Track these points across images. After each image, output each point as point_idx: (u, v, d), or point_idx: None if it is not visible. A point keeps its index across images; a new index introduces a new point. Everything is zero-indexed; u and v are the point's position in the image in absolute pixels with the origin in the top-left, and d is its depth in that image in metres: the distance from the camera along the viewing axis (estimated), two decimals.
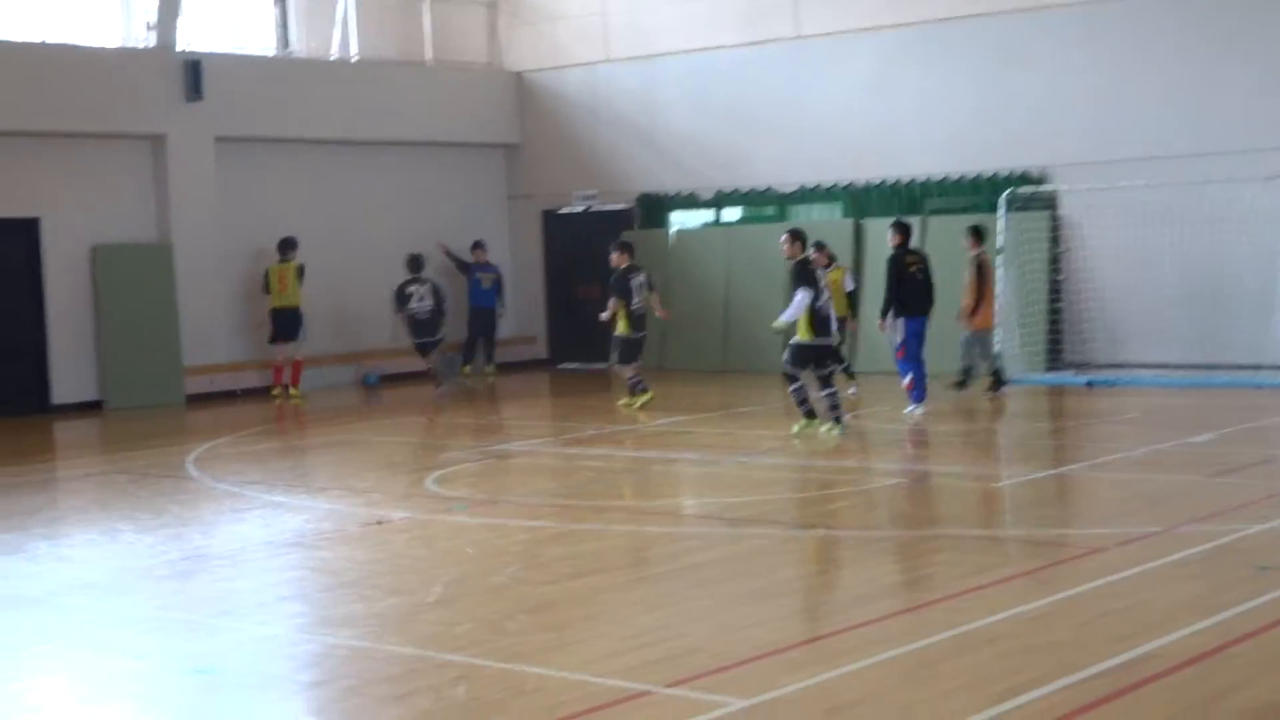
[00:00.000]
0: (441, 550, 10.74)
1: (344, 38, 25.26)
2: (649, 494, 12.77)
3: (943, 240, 21.79)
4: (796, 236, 15.86)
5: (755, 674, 7.44)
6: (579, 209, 26.04)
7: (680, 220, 25.35)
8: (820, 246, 18.61)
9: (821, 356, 15.60)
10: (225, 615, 9.09)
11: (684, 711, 6.86)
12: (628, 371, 19.12)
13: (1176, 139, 20.29)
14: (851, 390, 18.87)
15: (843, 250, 22.55)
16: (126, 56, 22.27)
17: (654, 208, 25.33)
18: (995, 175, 21.77)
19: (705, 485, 13.65)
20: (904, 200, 22.72)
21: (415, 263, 22.62)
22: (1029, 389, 19.62)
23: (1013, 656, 7.56)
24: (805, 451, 14.75)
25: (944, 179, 22.40)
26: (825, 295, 15.68)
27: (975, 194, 22.04)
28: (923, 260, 17.71)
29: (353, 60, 25.33)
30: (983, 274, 18.92)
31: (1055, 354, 20.92)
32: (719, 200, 24.73)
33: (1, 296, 21.07)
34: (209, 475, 14.73)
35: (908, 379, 17.10)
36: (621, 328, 18.95)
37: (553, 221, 26.44)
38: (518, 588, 9.42)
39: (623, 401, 18.97)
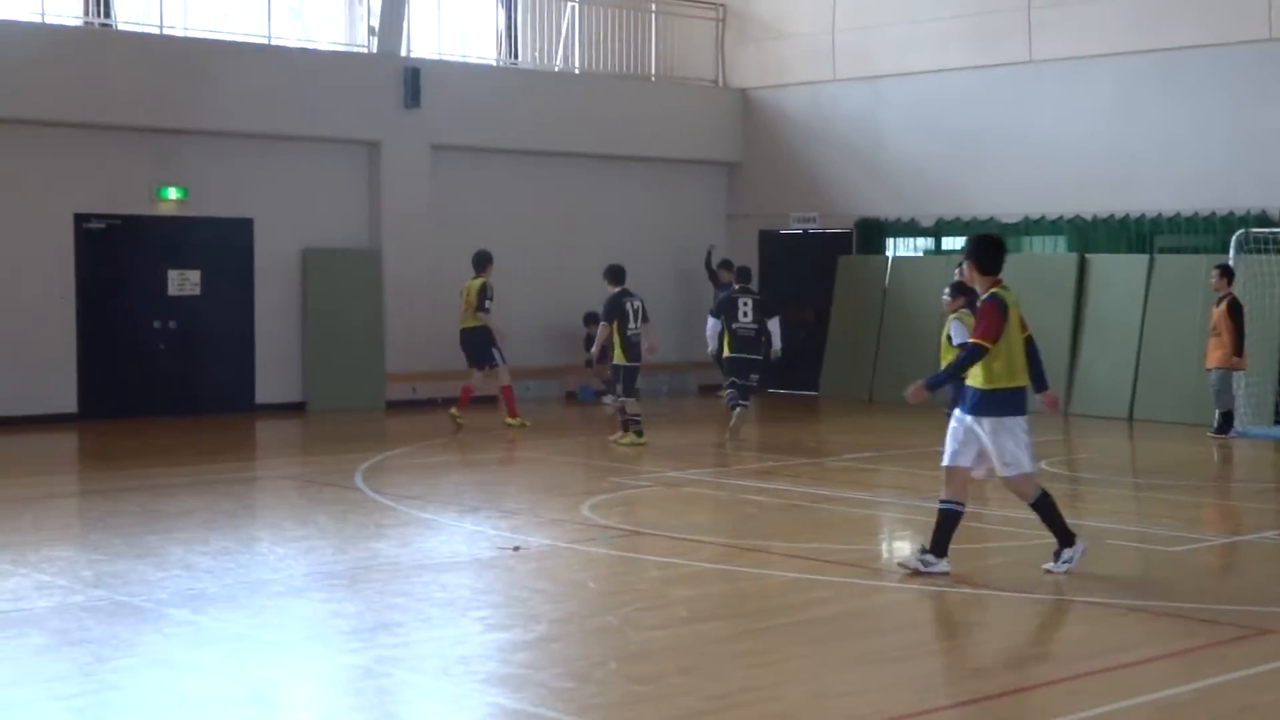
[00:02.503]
0: (564, 583, 10.31)
1: (567, 50, 25.13)
2: (802, 535, 12.12)
3: (1170, 279, 20.73)
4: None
5: None
6: (796, 230, 25.44)
7: (899, 247, 24.58)
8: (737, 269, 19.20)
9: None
10: (310, 640, 8.81)
11: None
12: (633, 405, 18.09)
13: None
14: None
15: (1065, 285, 21.58)
16: (347, 61, 22.48)
17: (872, 233, 24.59)
18: (1231, 214, 20.49)
19: (864, 529, 12.96)
20: (1133, 236, 21.60)
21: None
22: (1251, 443, 18.38)
23: None
24: (984, 499, 13.93)
25: (1176, 215, 21.18)
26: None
27: (1208, 233, 20.83)
28: None
29: (575, 72, 25.18)
30: (1236, 314, 18.20)
31: None
32: (939, 229, 23.89)
33: (215, 295, 21.41)
34: (372, 486, 14.57)
35: None
36: (619, 356, 18.02)
37: (769, 242, 25.89)
38: (623, 631, 8.92)
39: (617, 437, 18.05)
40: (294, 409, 21.68)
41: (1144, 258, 21.12)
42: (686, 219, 25.86)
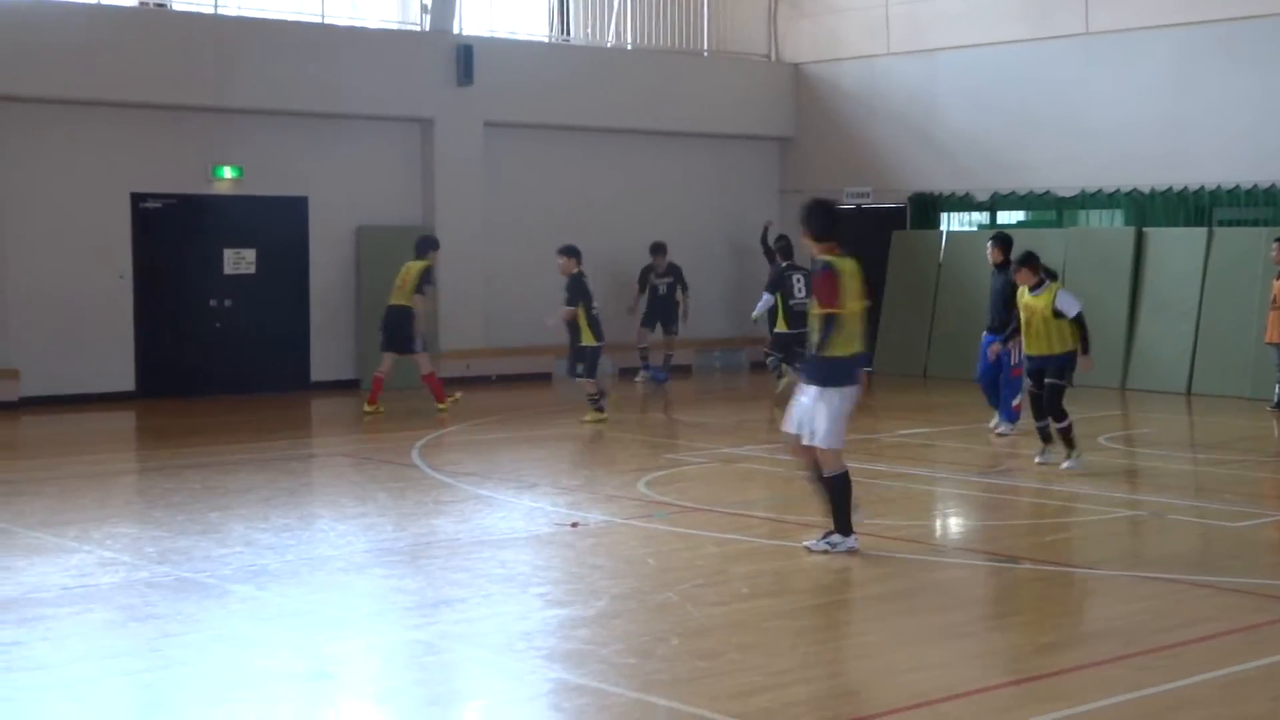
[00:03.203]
0: (623, 559, 10.31)
1: (619, 26, 25.07)
2: (861, 511, 12.07)
3: (1229, 252, 20.53)
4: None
5: None
6: (850, 206, 25.31)
7: (954, 221, 24.43)
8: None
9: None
10: (372, 616, 8.86)
11: None
12: (590, 386, 17.88)
13: None
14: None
15: (1122, 259, 21.40)
16: (400, 38, 22.50)
17: (927, 207, 24.44)
18: None
19: (923, 505, 12.89)
20: (1191, 209, 21.37)
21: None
22: None
23: None
24: (1043, 474, 13.84)
25: (1235, 188, 20.95)
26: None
27: (1268, 205, 20.60)
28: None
29: (628, 48, 25.12)
30: None
31: None
32: (995, 202, 23.71)
33: (270, 274, 21.49)
34: (429, 463, 14.61)
35: (1018, 399, 16.10)
36: (587, 337, 17.79)
37: None
38: (683, 607, 8.91)
39: (588, 418, 17.78)
40: (349, 386, 21.76)
41: (1202, 231, 20.92)
42: (739, 195, 25.79)
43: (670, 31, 25.54)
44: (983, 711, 6.99)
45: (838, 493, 10.28)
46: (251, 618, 8.82)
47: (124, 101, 20.01)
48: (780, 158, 26.30)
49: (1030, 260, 14.22)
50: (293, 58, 20.93)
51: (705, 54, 25.86)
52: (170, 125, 20.53)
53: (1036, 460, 14.21)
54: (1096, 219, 22.73)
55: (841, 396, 10.15)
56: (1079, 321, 13.94)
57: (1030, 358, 14.28)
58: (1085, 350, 13.97)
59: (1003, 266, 16.13)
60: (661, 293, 23.07)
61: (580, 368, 17.81)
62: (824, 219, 10.28)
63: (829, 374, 10.16)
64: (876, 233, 24.59)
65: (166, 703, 7.27)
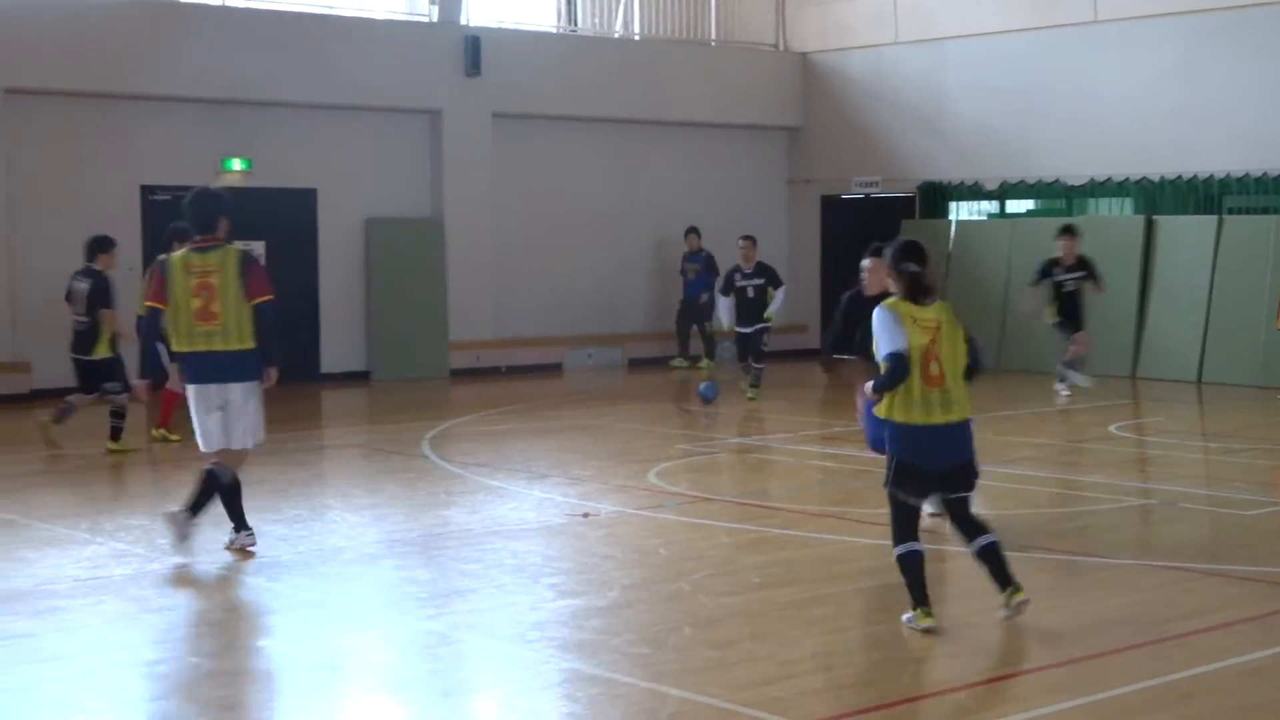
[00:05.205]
0: (634, 550, 10.32)
1: (627, 16, 25.05)
2: (873, 501, 12.05)
3: (1239, 240, 20.51)
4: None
5: (911, 717, 6.81)
6: (858, 195, 25.30)
7: (962, 210, 24.41)
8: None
9: None
10: (385, 607, 8.89)
11: None
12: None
13: None
14: None
15: (1132, 247, 21.38)
16: (408, 30, 22.49)
17: (935, 197, 24.42)
18: None
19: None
20: (1200, 197, 21.34)
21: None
22: None
23: (1211, 716, 6.75)
24: (1055, 464, 13.84)
25: (1245, 176, 20.92)
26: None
27: (1278, 193, 20.58)
28: None
29: (636, 38, 25.10)
30: None
31: None
32: (1004, 191, 23.70)
33: (279, 266, 21.40)
34: (439, 454, 14.62)
35: None
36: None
37: (831, 207, 25.77)
38: (695, 597, 8.92)
39: None
40: (358, 378, 21.78)
41: (1212, 219, 20.89)
42: (747, 185, 25.77)
43: (678, 21, 25.52)
44: (995, 700, 6.99)
45: (208, 494, 10.11)
46: (264, 609, 8.83)
47: (133, 94, 20.02)
48: (788, 147, 26.28)
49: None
50: (301, 49, 20.93)
51: (713, 44, 25.84)
52: (179, 118, 20.55)
53: None
54: (1105, 207, 22.71)
55: (195, 393, 10.08)
56: None
57: None
58: None
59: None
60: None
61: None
62: (202, 212, 10.28)
63: (187, 371, 10.10)
64: (885, 222, 24.52)
65: (179, 694, 7.29)
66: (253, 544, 10.18)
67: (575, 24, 24.93)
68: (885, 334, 8.05)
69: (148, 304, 10.17)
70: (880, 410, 8.22)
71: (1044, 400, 18.57)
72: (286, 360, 20.92)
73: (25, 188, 19.58)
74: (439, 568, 9.89)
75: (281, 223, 21.45)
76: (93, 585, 9.29)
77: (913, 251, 8.24)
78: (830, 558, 10.09)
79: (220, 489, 10.09)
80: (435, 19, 22.51)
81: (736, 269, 18.79)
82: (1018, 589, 8.13)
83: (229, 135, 20.92)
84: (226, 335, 9.96)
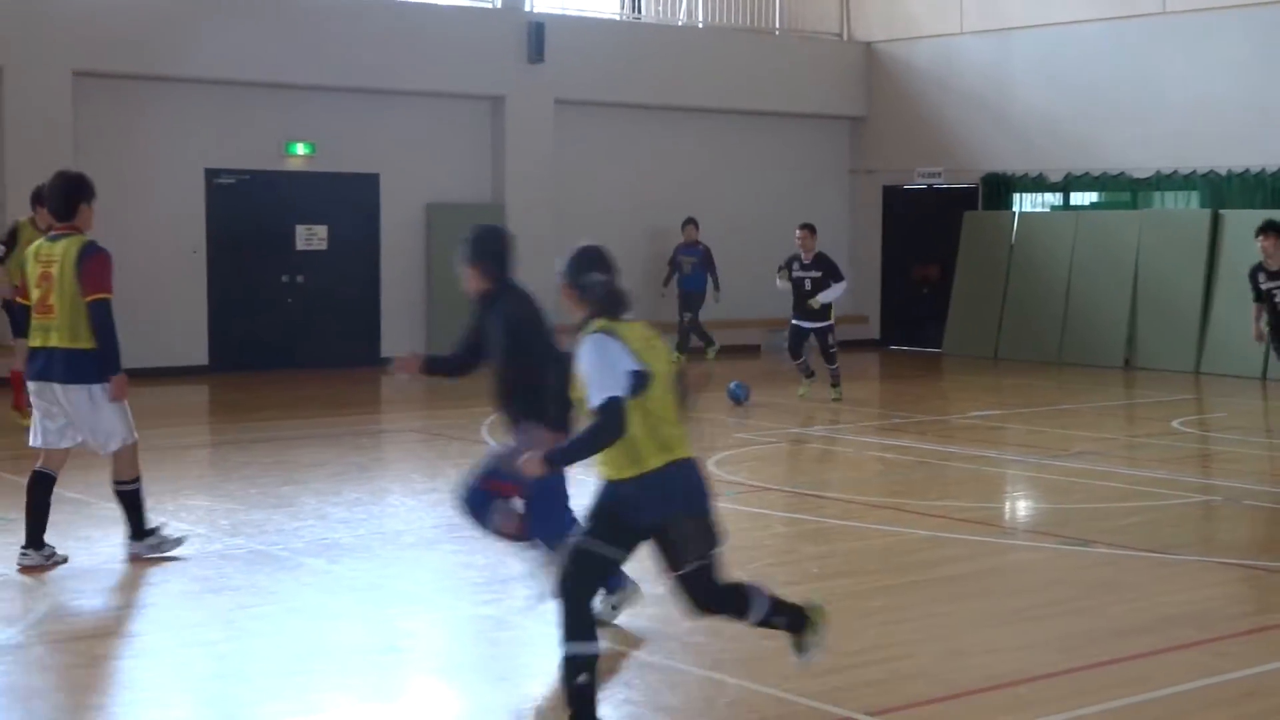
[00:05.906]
0: None
1: (691, 4, 25.00)
2: (931, 493, 12.03)
3: None
4: None
5: (971, 710, 6.78)
6: (921, 186, 25.18)
7: (1026, 202, 24.24)
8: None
9: None
10: (443, 591, 8.95)
11: None
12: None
13: None
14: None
15: (1198, 242, 21.16)
16: (472, 15, 22.52)
17: (999, 188, 24.25)
18: None
19: (993, 487, 12.81)
20: (1269, 191, 21.10)
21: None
22: None
23: (1272, 716, 6.68)
24: (1116, 459, 13.74)
25: None
26: None
27: None
28: None
29: (699, 27, 25.05)
30: None
31: None
32: (1068, 183, 23.50)
33: (341, 250, 21.62)
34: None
35: None
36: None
37: (893, 198, 25.66)
38: None
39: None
40: None
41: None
42: (810, 174, 25.69)
43: (742, 10, 25.45)
44: (1057, 695, 6.94)
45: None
46: (323, 591, 8.89)
47: (198, 78, 20.14)
48: (851, 137, 26.17)
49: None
50: (365, 34, 21.00)
51: (777, 32, 25.75)
52: (244, 101, 20.67)
53: None
54: (1172, 200, 22.50)
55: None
56: None
57: None
58: None
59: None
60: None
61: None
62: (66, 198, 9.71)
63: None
64: (948, 213, 24.46)
65: (241, 673, 7.34)
66: (37, 565, 9.11)
67: (639, 12, 24.91)
68: (606, 368, 6.28)
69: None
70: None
71: (1106, 395, 18.44)
72: (345, 346, 21.40)
73: (91, 170, 19.56)
74: (496, 553, 9.88)
75: (344, 208, 21.56)
76: (156, 565, 9.36)
77: (596, 260, 6.75)
78: (889, 549, 10.05)
79: (39, 493, 9.25)
80: (499, 5, 22.53)
81: (795, 257, 18.32)
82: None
83: (293, 119, 21.03)
84: (60, 331, 9.12)
